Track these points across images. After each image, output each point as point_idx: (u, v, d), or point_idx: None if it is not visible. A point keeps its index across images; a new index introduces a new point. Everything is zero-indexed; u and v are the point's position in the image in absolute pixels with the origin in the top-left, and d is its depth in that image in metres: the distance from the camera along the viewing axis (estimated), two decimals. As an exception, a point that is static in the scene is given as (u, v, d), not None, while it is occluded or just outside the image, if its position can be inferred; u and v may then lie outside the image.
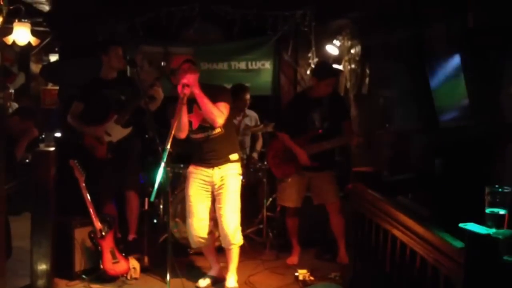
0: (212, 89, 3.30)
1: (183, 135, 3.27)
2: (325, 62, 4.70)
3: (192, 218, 3.35)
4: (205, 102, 3.14)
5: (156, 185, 2.83)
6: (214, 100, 3.19)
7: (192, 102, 3.21)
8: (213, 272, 3.53)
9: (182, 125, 3.21)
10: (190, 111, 3.25)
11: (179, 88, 3.10)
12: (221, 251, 3.59)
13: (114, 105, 3.96)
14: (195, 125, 3.30)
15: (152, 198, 2.91)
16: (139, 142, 4.18)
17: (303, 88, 4.78)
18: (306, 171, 3.82)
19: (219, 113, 3.18)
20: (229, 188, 3.30)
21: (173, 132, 2.92)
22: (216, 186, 3.32)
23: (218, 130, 3.27)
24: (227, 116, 3.23)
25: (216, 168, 3.31)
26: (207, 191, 3.35)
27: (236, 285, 3.38)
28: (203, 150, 3.33)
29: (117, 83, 4.02)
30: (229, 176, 3.31)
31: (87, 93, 4.03)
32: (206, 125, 3.27)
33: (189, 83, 3.08)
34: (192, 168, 3.39)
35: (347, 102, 4.57)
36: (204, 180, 3.33)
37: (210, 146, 3.31)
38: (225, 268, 3.49)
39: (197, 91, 3.13)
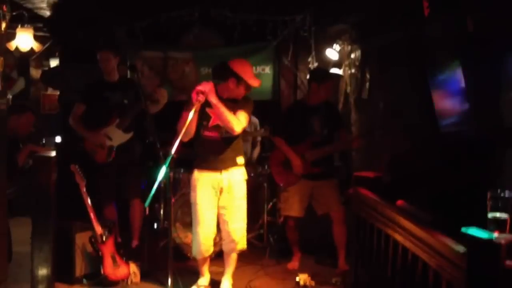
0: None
1: (187, 138, 3.15)
2: (321, 67, 4.74)
3: (201, 227, 3.23)
4: (222, 111, 3.05)
5: (153, 190, 2.82)
6: (235, 108, 3.14)
7: None
8: (205, 281, 3.46)
9: (190, 129, 3.09)
10: (210, 105, 3.11)
11: (193, 94, 2.99)
12: (216, 256, 3.60)
13: (117, 108, 3.96)
14: (213, 122, 3.19)
15: (147, 204, 2.88)
16: (140, 146, 4.17)
17: (302, 96, 4.79)
18: (309, 180, 3.80)
19: (237, 122, 3.09)
20: (237, 194, 3.25)
21: (180, 138, 2.85)
22: (223, 191, 3.23)
23: None
24: (245, 126, 3.18)
25: (224, 172, 3.22)
26: (215, 196, 3.24)
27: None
28: (211, 150, 3.21)
29: (120, 86, 4.01)
30: (237, 183, 3.25)
31: (89, 95, 4.02)
32: (222, 125, 3.18)
33: (204, 90, 2.97)
34: (197, 174, 3.26)
35: (339, 110, 4.59)
36: (213, 186, 3.23)
37: (220, 147, 3.21)
38: (219, 273, 3.48)
39: (214, 101, 3.02)
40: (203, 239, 3.24)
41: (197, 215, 3.25)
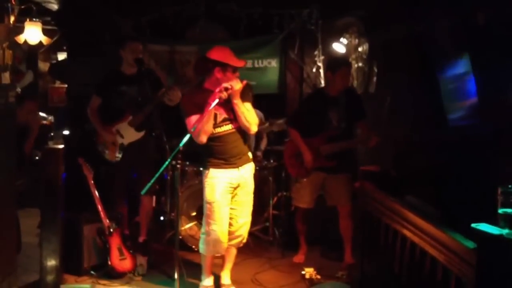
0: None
1: (204, 139, 3.08)
2: (334, 56, 4.69)
3: (218, 225, 3.14)
4: (242, 111, 3.06)
5: (152, 180, 2.90)
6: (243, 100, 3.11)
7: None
8: (210, 282, 3.39)
9: (208, 129, 3.07)
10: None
11: (217, 90, 2.97)
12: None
13: (130, 105, 3.87)
14: (220, 117, 3.14)
15: (143, 192, 3.01)
16: (153, 143, 4.02)
17: (321, 87, 4.74)
18: (322, 172, 3.78)
19: (254, 121, 3.11)
20: (248, 190, 3.25)
21: (202, 130, 2.94)
22: (239, 187, 3.21)
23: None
24: (258, 121, 3.19)
25: (241, 168, 3.19)
26: (231, 193, 3.20)
27: (230, 282, 3.40)
28: (227, 146, 3.14)
29: (137, 79, 3.87)
30: (250, 178, 3.25)
31: (106, 87, 3.93)
32: (231, 117, 3.14)
33: (232, 89, 2.98)
34: (215, 172, 3.15)
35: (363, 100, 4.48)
36: (231, 183, 3.16)
37: (233, 141, 3.16)
38: (219, 265, 3.46)
39: (236, 100, 3.02)
40: (220, 236, 3.16)
41: (214, 213, 3.14)
